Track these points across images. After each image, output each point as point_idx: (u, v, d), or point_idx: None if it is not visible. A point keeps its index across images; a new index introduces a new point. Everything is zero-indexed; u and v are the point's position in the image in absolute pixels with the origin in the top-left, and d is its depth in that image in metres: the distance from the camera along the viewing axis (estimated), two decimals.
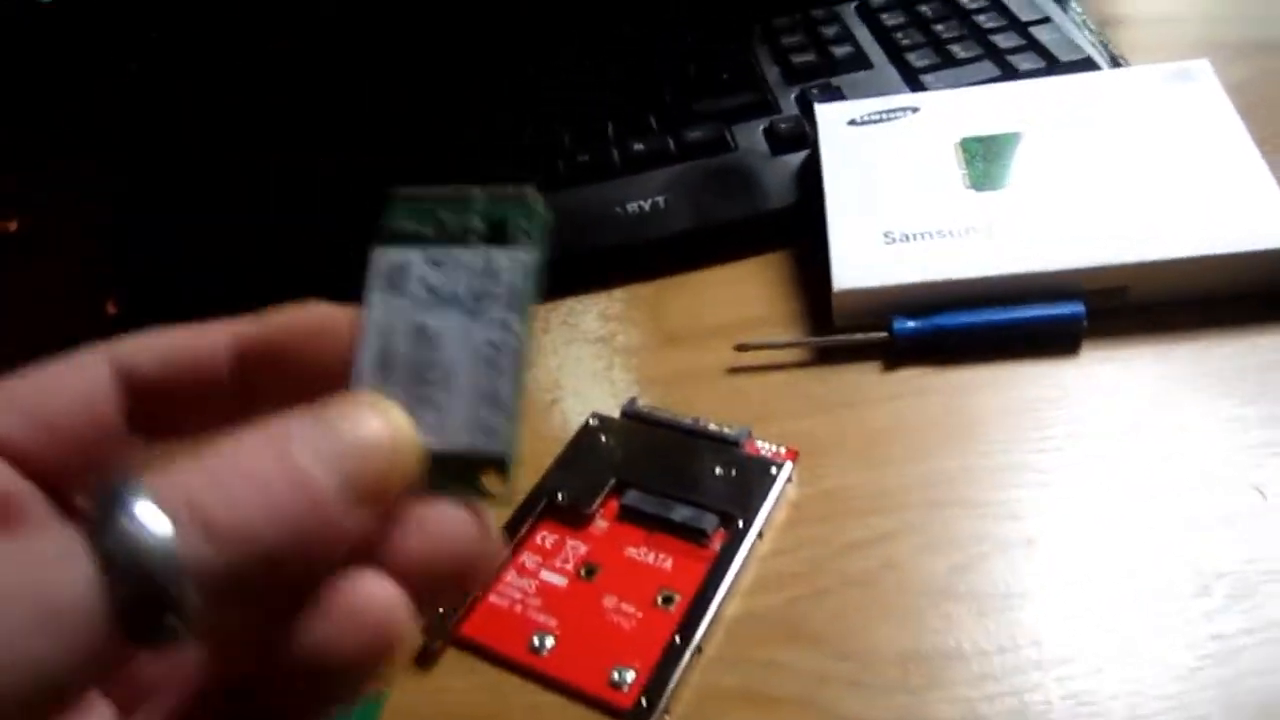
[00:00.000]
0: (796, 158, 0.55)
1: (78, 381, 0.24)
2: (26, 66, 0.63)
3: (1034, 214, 0.46)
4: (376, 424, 0.21)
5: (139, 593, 0.17)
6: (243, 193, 0.60)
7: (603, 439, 0.44)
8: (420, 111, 0.64)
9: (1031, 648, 0.35)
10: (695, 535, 0.39)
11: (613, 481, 0.41)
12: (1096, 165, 0.48)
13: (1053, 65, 0.56)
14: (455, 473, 0.22)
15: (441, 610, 0.37)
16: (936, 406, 0.44)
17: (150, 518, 0.17)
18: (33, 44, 0.62)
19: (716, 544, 0.39)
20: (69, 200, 0.63)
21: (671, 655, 0.35)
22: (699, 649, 0.35)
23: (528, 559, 0.39)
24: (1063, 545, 0.37)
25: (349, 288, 0.54)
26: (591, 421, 0.45)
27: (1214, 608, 0.34)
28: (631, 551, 0.39)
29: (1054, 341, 0.45)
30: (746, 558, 0.38)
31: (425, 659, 0.37)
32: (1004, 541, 0.38)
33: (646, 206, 0.54)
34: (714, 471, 0.41)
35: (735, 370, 0.48)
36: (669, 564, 0.38)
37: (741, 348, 0.47)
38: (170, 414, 0.25)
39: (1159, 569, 0.36)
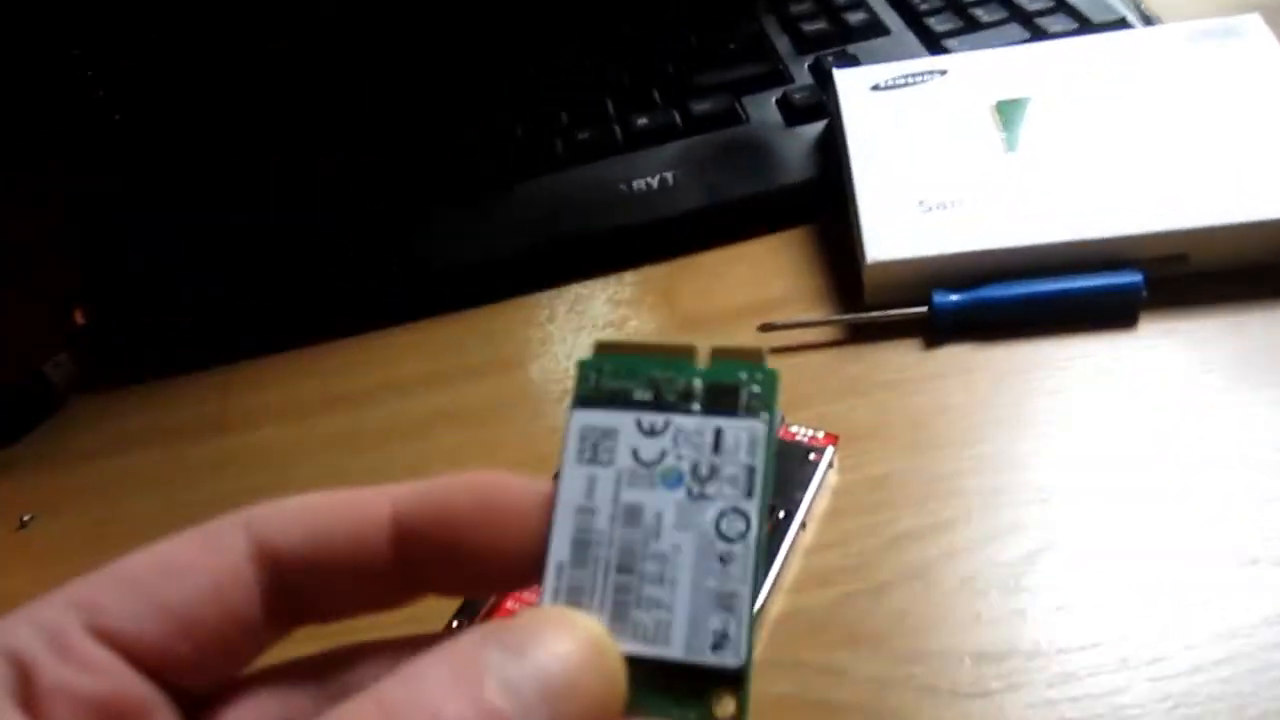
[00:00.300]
0: (813, 129, 0.52)
1: (209, 563, 0.20)
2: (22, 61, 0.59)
3: (1082, 178, 0.43)
4: (578, 651, 0.17)
5: None
6: (241, 193, 0.56)
7: None
8: (417, 90, 0.61)
9: (1118, 644, 0.31)
10: None
11: None
12: (1146, 126, 0.44)
13: (1085, 27, 0.52)
14: (674, 689, 0.18)
15: (455, 624, 0.33)
16: (984, 386, 0.40)
17: None
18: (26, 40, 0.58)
19: None
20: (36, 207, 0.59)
21: None
22: None
23: None
24: (1142, 532, 0.34)
25: (346, 289, 0.48)
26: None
27: None
28: None
29: (1109, 314, 0.41)
30: (789, 551, 0.34)
31: None
32: (1073, 528, 0.34)
33: (654, 184, 0.51)
34: None
35: None
36: None
37: (766, 328, 0.44)
38: (316, 596, 0.21)
39: (1252, 558, 0.32)
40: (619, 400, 0.20)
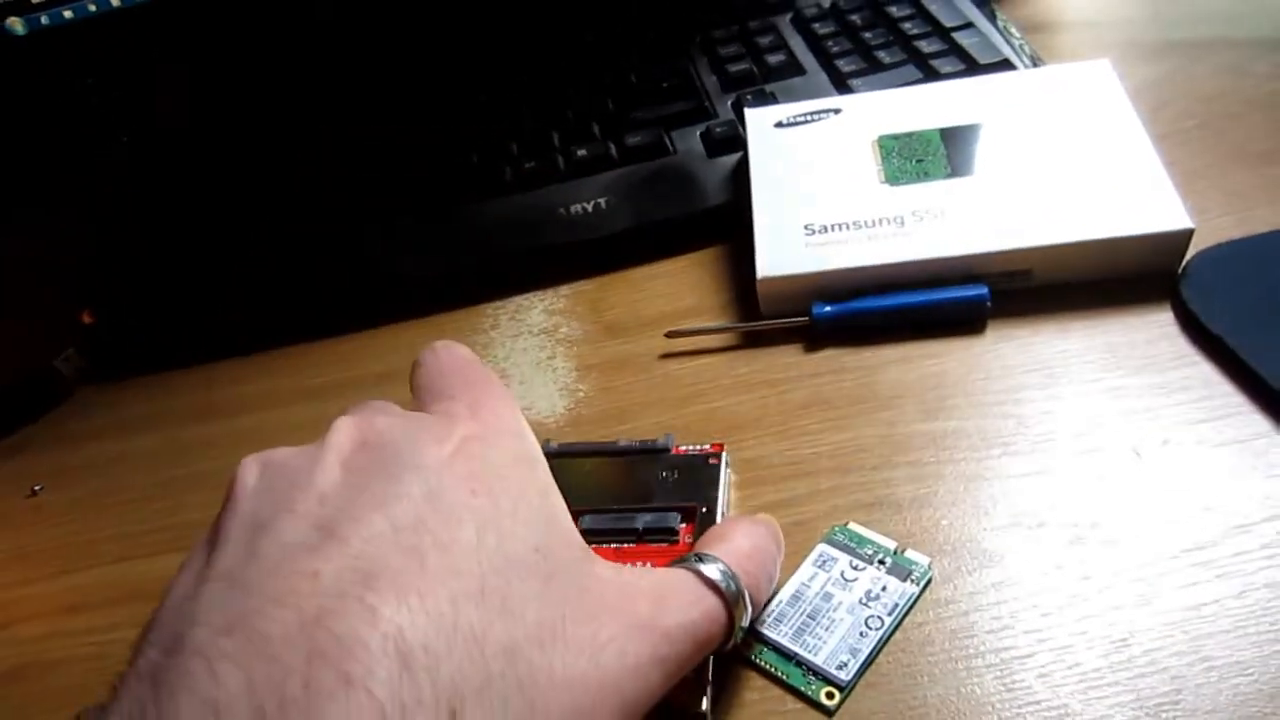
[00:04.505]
0: (731, 160, 0.58)
1: None
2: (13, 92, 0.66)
3: (945, 204, 0.50)
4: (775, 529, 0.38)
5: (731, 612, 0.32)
6: (225, 214, 0.64)
7: None
8: (386, 123, 0.68)
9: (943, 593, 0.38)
10: (665, 535, 0.40)
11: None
12: (1004, 158, 0.51)
13: (972, 67, 0.59)
14: (802, 674, 0.36)
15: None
16: (852, 383, 0.47)
17: (727, 575, 0.33)
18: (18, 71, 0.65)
19: (687, 537, 0.40)
20: (49, 222, 0.66)
21: None
22: None
23: None
24: (955, 501, 0.40)
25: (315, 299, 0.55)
26: None
27: (1087, 554, 0.37)
28: None
29: (962, 322, 0.48)
30: None
31: None
32: (901, 501, 0.41)
33: (589, 208, 0.58)
34: (659, 477, 0.42)
35: (667, 356, 0.51)
36: (649, 567, 0.37)
37: (672, 334, 0.51)
38: None
39: (1039, 521, 0.39)
40: (845, 550, 0.39)
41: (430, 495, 0.28)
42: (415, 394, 0.35)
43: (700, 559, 0.33)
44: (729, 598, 0.32)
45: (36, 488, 0.52)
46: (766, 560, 0.35)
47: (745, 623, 0.33)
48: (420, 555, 0.26)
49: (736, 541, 0.35)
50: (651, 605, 0.30)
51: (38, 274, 0.60)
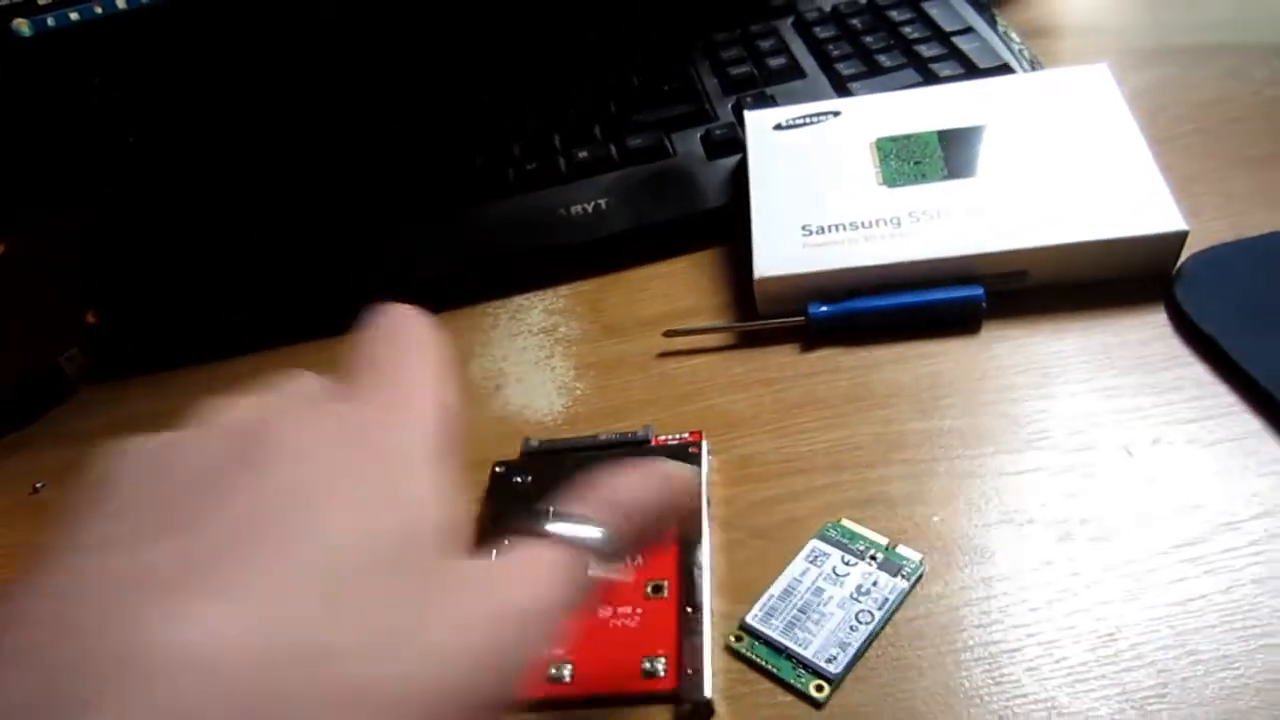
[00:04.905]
0: (730, 162, 0.59)
1: None
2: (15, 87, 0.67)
3: (942, 206, 0.50)
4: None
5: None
6: (233, 214, 0.64)
7: (516, 481, 0.45)
8: (393, 124, 0.69)
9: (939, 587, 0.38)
10: None
11: (550, 515, 0.42)
12: (1001, 160, 0.51)
13: (971, 71, 0.59)
14: (793, 667, 0.36)
15: None
16: (848, 382, 0.47)
17: (596, 535, 0.30)
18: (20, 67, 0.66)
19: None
20: (55, 223, 0.67)
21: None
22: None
23: None
24: (948, 499, 0.41)
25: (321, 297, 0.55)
26: (498, 469, 0.46)
27: (1076, 550, 0.38)
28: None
29: (957, 322, 0.48)
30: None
31: None
32: (895, 498, 0.41)
33: (589, 209, 0.58)
34: None
35: (664, 355, 0.51)
36: (640, 561, 0.39)
37: (670, 334, 0.51)
38: None
39: (1029, 518, 0.39)
40: (838, 546, 0.39)
41: (293, 487, 0.25)
42: (353, 355, 0.31)
43: (551, 515, 0.30)
44: (575, 552, 0.30)
45: (38, 485, 0.52)
46: (622, 503, 0.31)
47: (597, 571, 0.30)
48: (258, 551, 0.23)
49: (597, 491, 0.32)
50: (507, 588, 0.28)
51: (42, 273, 0.61)
